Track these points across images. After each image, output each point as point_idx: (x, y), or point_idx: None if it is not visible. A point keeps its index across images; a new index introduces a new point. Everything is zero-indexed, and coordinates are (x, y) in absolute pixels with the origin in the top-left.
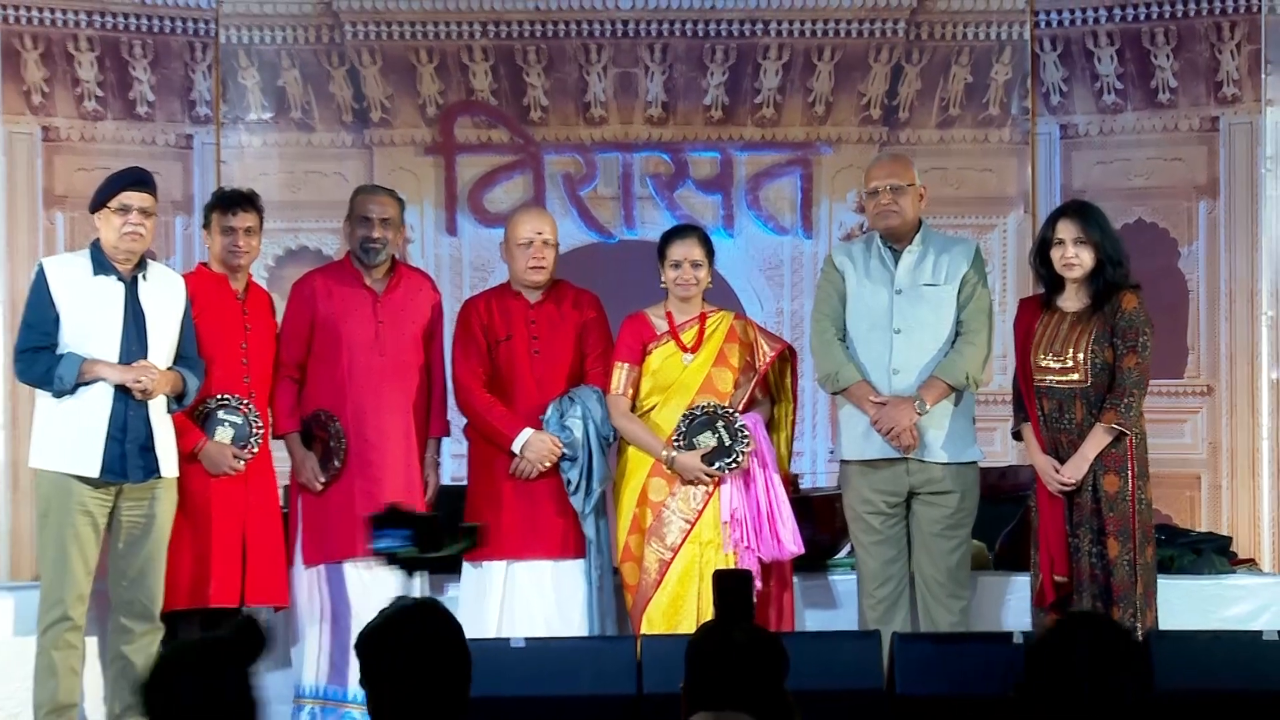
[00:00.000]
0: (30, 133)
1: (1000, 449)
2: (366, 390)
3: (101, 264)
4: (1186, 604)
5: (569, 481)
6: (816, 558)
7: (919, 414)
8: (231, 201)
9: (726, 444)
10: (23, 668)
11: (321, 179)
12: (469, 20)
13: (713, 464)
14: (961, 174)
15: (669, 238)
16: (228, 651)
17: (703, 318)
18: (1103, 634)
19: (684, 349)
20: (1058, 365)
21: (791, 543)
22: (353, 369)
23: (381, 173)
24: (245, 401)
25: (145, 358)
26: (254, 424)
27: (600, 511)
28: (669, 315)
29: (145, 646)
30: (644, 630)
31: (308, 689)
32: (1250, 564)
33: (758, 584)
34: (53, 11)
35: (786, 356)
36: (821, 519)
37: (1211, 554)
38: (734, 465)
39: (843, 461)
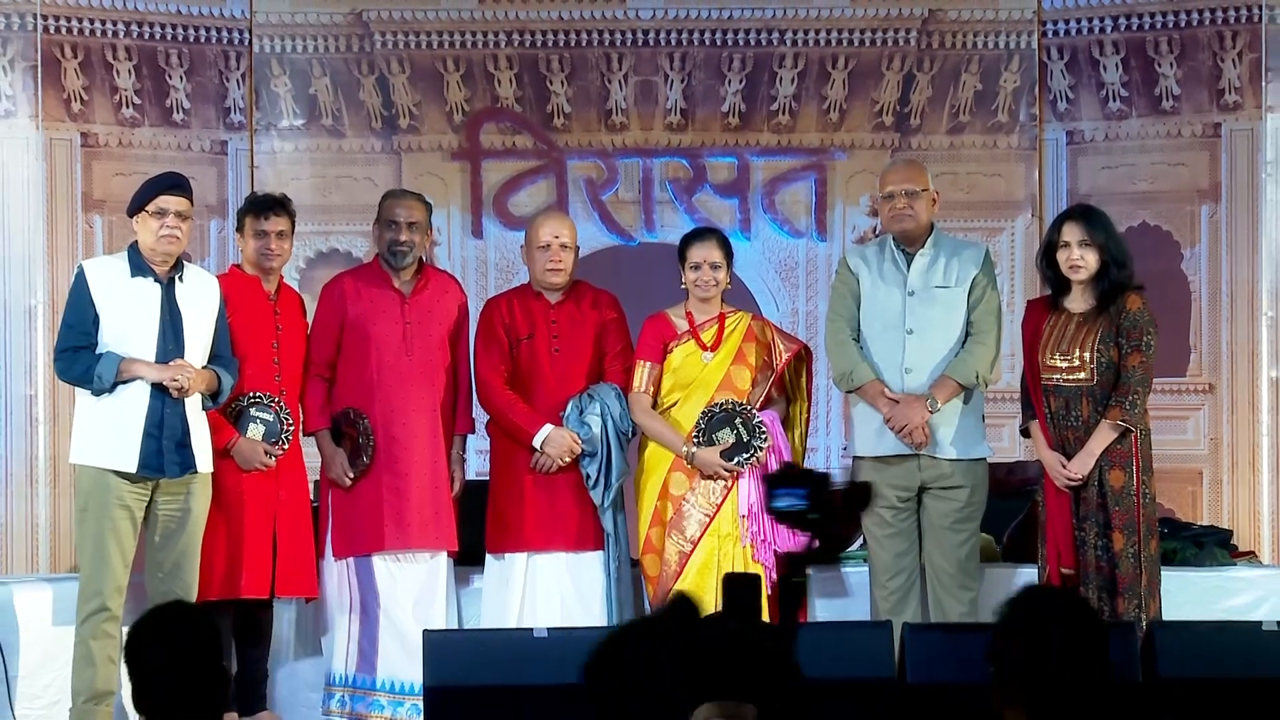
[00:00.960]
0: (70, 139)
1: (1008, 445)
2: (395, 389)
3: (139, 266)
4: (1189, 595)
5: (588, 476)
6: (831, 550)
7: (931, 412)
8: (264, 206)
9: (745, 440)
10: (62, 656)
11: (352, 183)
12: (495, 30)
13: (731, 459)
14: (971, 179)
15: (689, 240)
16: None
17: (721, 318)
18: (1069, 611)
19: (704, 348)
20: (1065, 364)
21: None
22: (381, 369)
23: (409, 177)
24: (276, 399)
25: (181, 357)
26: (285, 421)
27: (618, 505)
28: (689, 315)
29: None
30: None
31: (337, 677)
32: (1251, 556)
33: (772, 575)
34: (92, 22)
35: (802, 356)
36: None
37: (1213, 547)
38: (752, 461)
39: (856, 457)
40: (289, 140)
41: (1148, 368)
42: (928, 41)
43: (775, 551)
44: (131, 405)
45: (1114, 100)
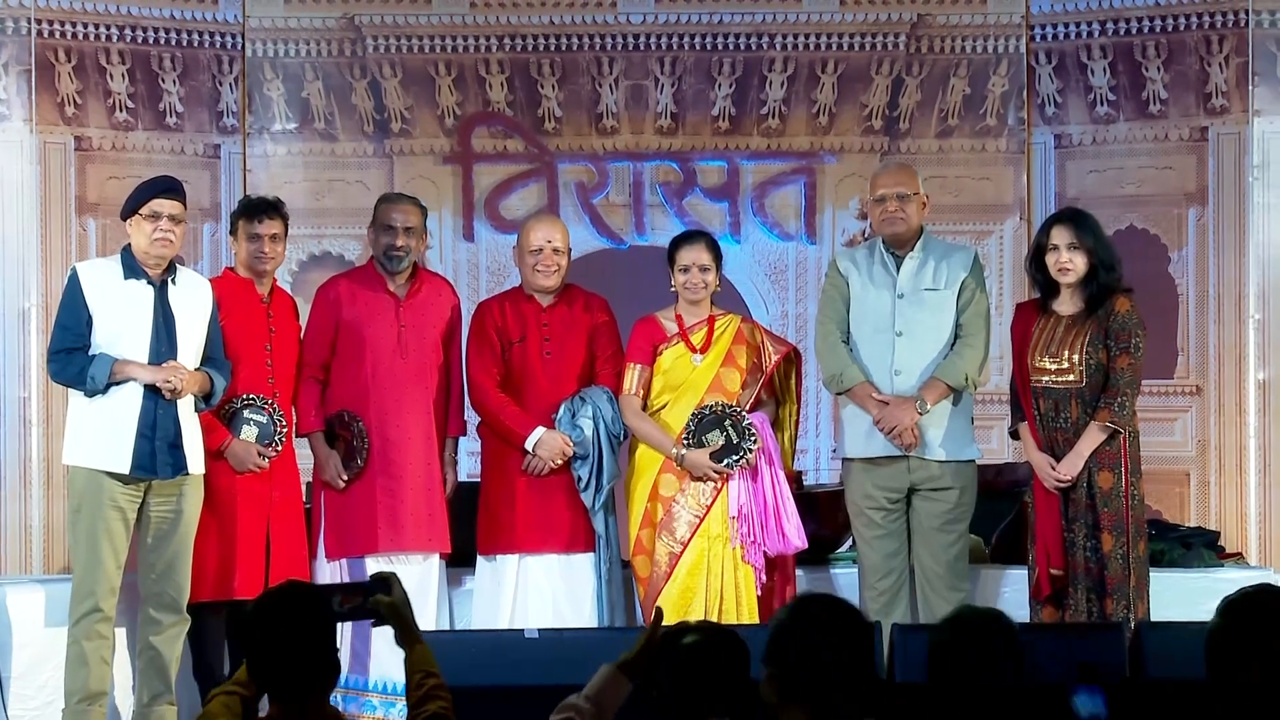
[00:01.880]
0: (63, 142)
1: (997, 446)
2: (388, 392)
3: (132, 268)
4: (1176, 596)
5: (579, 478)
6: (819, 551)
7: (920, 413)
8: (257, 209)
9: (734, 442)
10: (55, 658)
11: (344, 187)
12: (486, 34)
13: (721, 461)
14: (960, 182)
15: (678, 243)
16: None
17: (711, 320)
18: (837, 616)
19: (693, 350)
20: (1054, 366)
21: (796, 537)
22: (375, 371)
23: (401, 181)
24: (270, 401)
25: (174, 359)
26: (278, 423)
27: (610, 508)
28: (679, 318)
29: (173, 637)
30: None
31: None
32: (1238, 557)
33: (762, 577)
34: (85, 26)
35: (791, 358)
36: (824, 514)
37: (1200, 548)
38: (741, 463)
39: (845, 459)
40: (282, 144)
41: (1136, 370)
42: (916, 46)
43: (764, 553)
44: (124, 407)
45: (1101, 104)
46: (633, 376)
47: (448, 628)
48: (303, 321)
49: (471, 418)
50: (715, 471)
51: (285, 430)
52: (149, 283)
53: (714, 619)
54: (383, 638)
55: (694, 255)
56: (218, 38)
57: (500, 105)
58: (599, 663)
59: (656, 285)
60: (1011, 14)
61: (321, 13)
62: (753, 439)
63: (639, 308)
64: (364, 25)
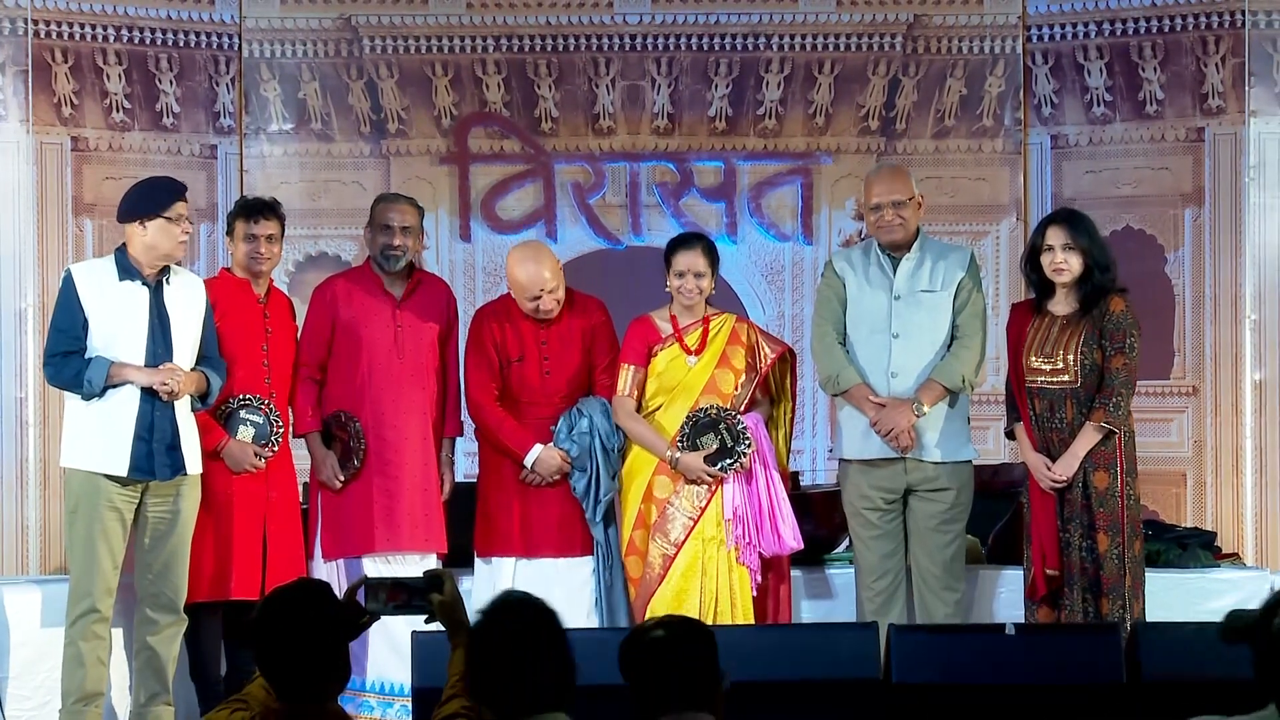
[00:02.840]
0: (60, 143)
1: (993, 447)
2: (385, 392)
3: (127, 270)
4: (1172, 596)
5: (575, 488)
6: (815, 552)
7: (917, 415)
8: (254, 209)
9: (729, 445)
10: (52, 658)
11: (341, 187)
12: (482, 35)
13: (715, 465)
14: (956, 183)
15: (675, 246)
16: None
17: (706, 321)
18: (526, 618)
19: (688, 351)
20: (1048, 367)
21: (791, 539)
22: (372, 372)
23: (398, 181)
24: (266, 402)
25: (170, 359)
26: (274, 423)
27: (609, 518)
28: (673, 319)
29: (170, 637)
30: None
31: None
32: (1234, 558)
33: (757, 578)
34: (82, 26)
35: (786, 358)
36: (820, 515)
37: (1196, 548)
38: (735, 466)
39: (842, 460)
40: (278, 144)
41: (1131, 370)
42: (913, 46)
43: (760, 554)
44: (122, 409)
45: (1098, 105)
46: (626, 377)
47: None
48: (299, 322)
49: (469, 418)
50: (709, 475)
51: (282, 430)
52: (144, 284)
53: (709, 620)
54: (380, 639)
55: (689, 261)
56: (214, 38)
57: (497, 106)
58: (596, 665)
59: (653, 286)
60: (1008, 15)
61: (318, 13)
62: (747, 443)
63: (635, 308)
64: (360, 26)
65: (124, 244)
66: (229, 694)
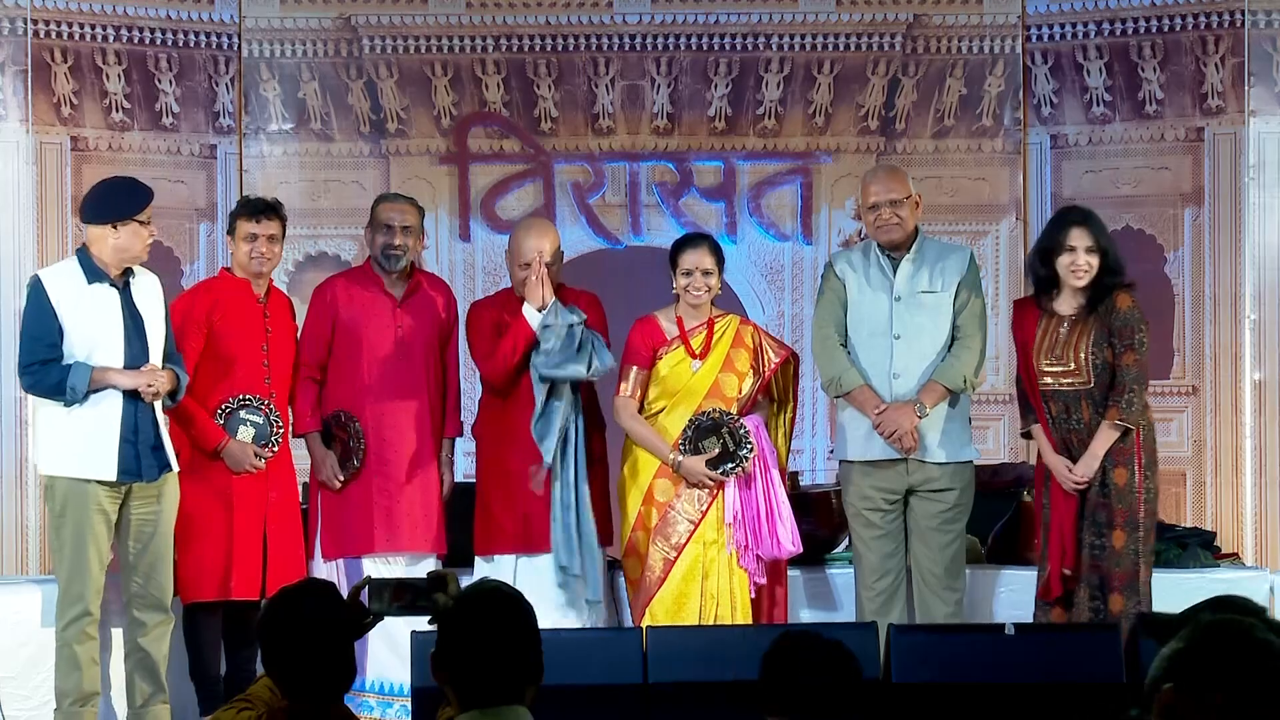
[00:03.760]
0: (59, 142)
1: (993, 446)
2: (385, 393)
3: (94, 272)
4: (1172, 596)
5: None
6: (815, 552)
7: (920, 417)
8: (256, 209)
9: (731, 450)
10: (51, 659)
11: (340, 187)
12: (482, 35)
13: (717, 469)
14: (956, 182)
15: (681, 246)
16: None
17: (710, 323)
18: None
19: (693, 355)
20: (1060, 369)
21: (790, 542)
22: (372, 372)
23: (398, 181)
24: (266, 402)
25: (146, 359)
26: (274, 423)
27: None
28: (679, 320)
29: (160, 636)
30: (646, 624)
31: None
32: (1234, 558)
33: (759, 580)
34: (82, 26)
35: (790, 361)
36: (820, 515)
37: (1196, 548)
38: (738, 470)
39: (843, 461)
40: (278, 144)
41: (1142, 365)
42: (912, 46)
43: (758, 556)
44: (106, 414)
45: (1097, 104)
46: (630, 378)
47: None
48: (299, 322)
49: (466, 419)
50: (711, 479)
51: (281, 431)
52: (112, 285)
53: (708, 623)
54: (380, 639)
55: (697, 259)
56: (214, 38)
57: (496, 105)
58: (596, 663)
59: (653, 286)
60: (1007, 14)
61: (317, 13)
62: (749, 447)
63: (635, 308)
64: (360, 26)
65: (84, 245)
66: (229, 694)
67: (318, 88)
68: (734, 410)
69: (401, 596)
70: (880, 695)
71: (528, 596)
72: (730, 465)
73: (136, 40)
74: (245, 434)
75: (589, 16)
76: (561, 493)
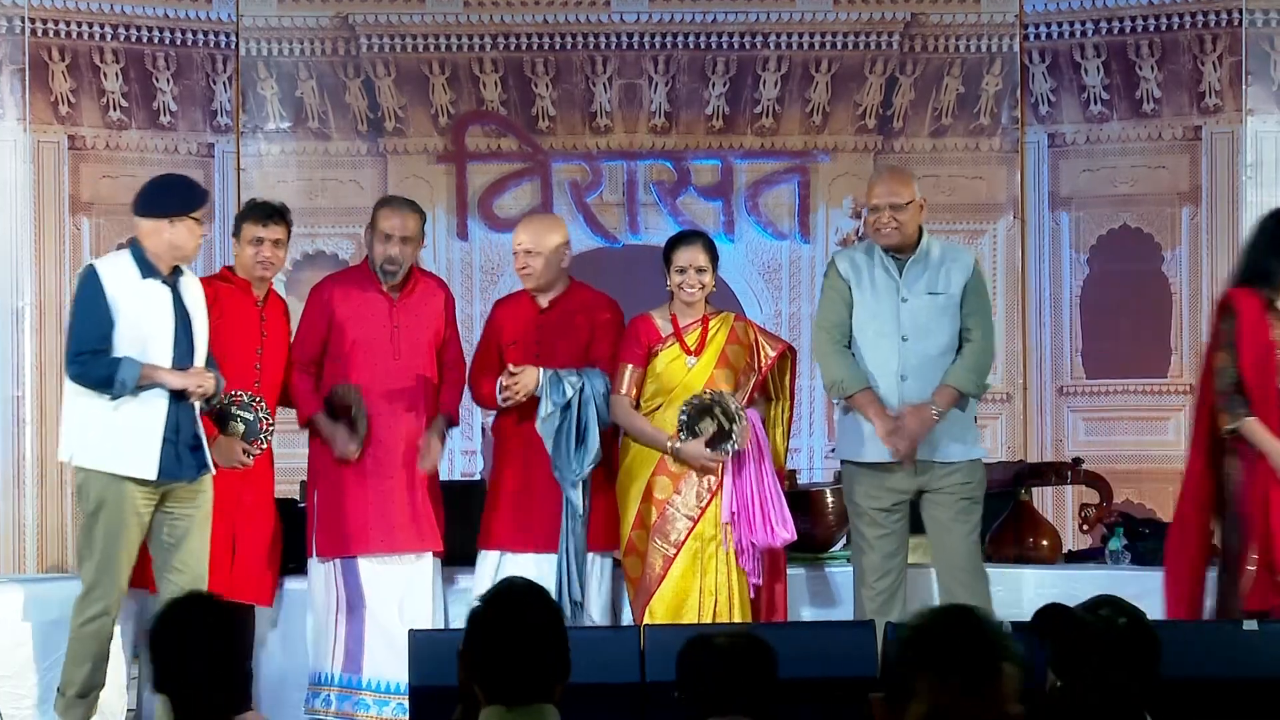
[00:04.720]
0: (57, 141)
1: (991, 445)
2: (380, 393)
3: (148, 268)
4: None
5: (545, 417)
6: (813, 551)
7: (936, 419)
8: (265, 213)
9: (725, 428)
10: (49, 657)
11: (338, 186)
12: (480, 33)
13: (715, 448)
14: (953, 181)
15: (674, 243)
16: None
17: (705, 320)
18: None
19: (688, 352)
20: None
21: (784, 530)
22: (367, 372)
23: (395, 180)
24: (257, 399)
25: (192, 360)
26: (264, 420)
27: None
28: (674, 318)
29: None
30: (645, 622)
31: (324, 677)
32: None
33: (755, 581)
34: (79, 25)
35: (787, 355)
36: (817, 514)
37: None
38: (736, 445)
39: (846, 461)
40: (275, 143)
41: None
42: (910, 45)
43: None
44: (151, 412)
45: (1095, 103)
46: (625, 376)
47: (442, 626)
48: (293, 324)
49: (468, 418)
50: (711, 460)
51: (272, 429)
52: (163, 281)
53: (708, 620)
54: (377, 637)
55: (691, 256)
56: (211, 36)
57: (494, 104)
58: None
59: (650, 284)
60: (1005, 13)
61: (315, 11)
62: (742, 421)
63: (633, 306)
64: (358, 24)
65: (135, 239)
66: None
67: (315, 86)
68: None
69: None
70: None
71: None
72: (727, 443)
73: (134, 39)
74: (235, 429)
75: (587, 15)
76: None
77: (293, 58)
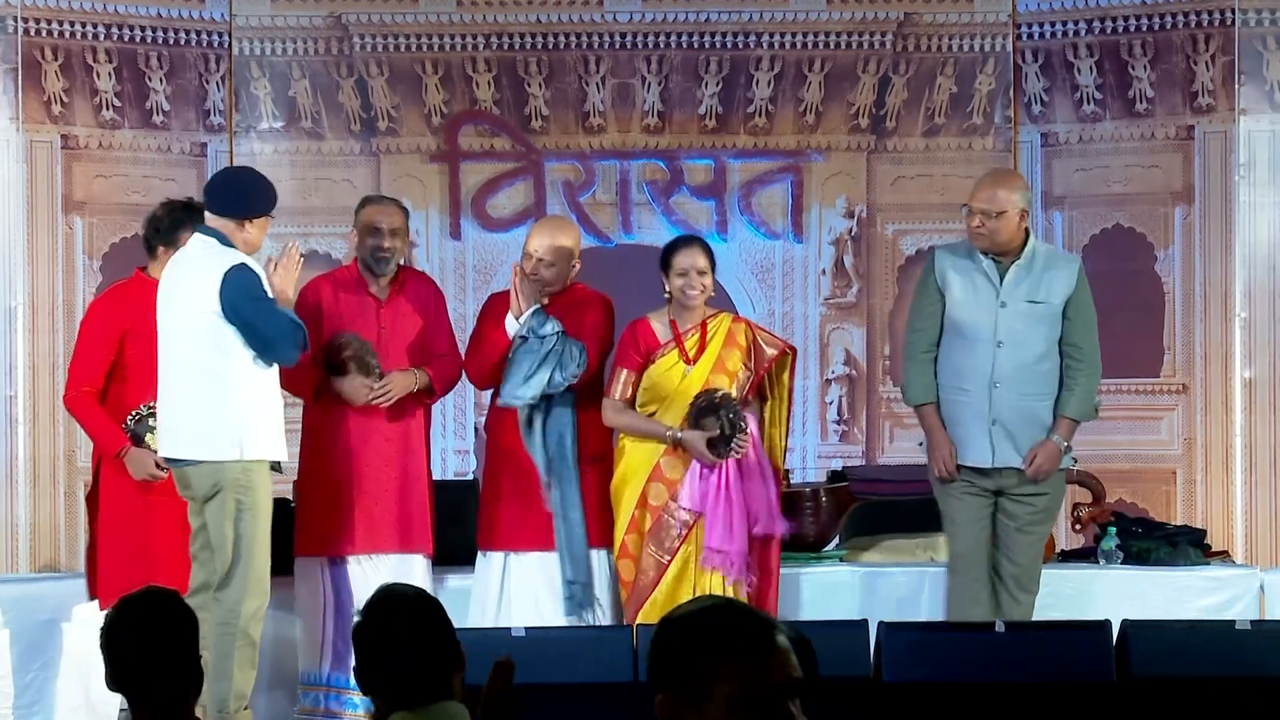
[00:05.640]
0: (50, 141)
1: None
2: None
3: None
4: (1162, 594)
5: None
6: (805, 550)
7: (1064, 450)
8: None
9: (728, 435)
10: (43, 656)
11: (331, 185)
12: (473, 33)
13: (713, 450)
14: (946, 181)
15: (673, 248)
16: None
17: (704, 324)
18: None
19: (687, 360)
20: None
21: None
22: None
23: (388, 180)
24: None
25: None
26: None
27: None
28: (673, 323)
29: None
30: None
31: (312, 676)
32: (1224, 556)
33: (751, 579)
34: (72, 24)
35: (786, 354)
36: (810, 513)
37: (1186, 546)
38: (731, 454)
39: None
40: (268, 142)
41: None
42: (903, 44)
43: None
44: (277, 395)
45: (1088, 103)
46: (620, 380)
47: None
48: None
49: (469, 419)
50: (708, 458)
51: None
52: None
53: None
54: None
55: (691, 259)
56: (204, 36)
57: (487, 104)
58: (587, 662)
59: (643, 284)
60: (998, 13)
61: (308, 11)
62: (745, 431)
63: (625, 306)
64: (351, 24)
65: (219, 232)
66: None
67: (308, 86)
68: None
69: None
70: (871, 692)
71: (515, 594)
72: (724, 449)
73: (127, 38)
74: (151, 441)
75: (580, 15)
76: (556, 500)
77: (286, 57)
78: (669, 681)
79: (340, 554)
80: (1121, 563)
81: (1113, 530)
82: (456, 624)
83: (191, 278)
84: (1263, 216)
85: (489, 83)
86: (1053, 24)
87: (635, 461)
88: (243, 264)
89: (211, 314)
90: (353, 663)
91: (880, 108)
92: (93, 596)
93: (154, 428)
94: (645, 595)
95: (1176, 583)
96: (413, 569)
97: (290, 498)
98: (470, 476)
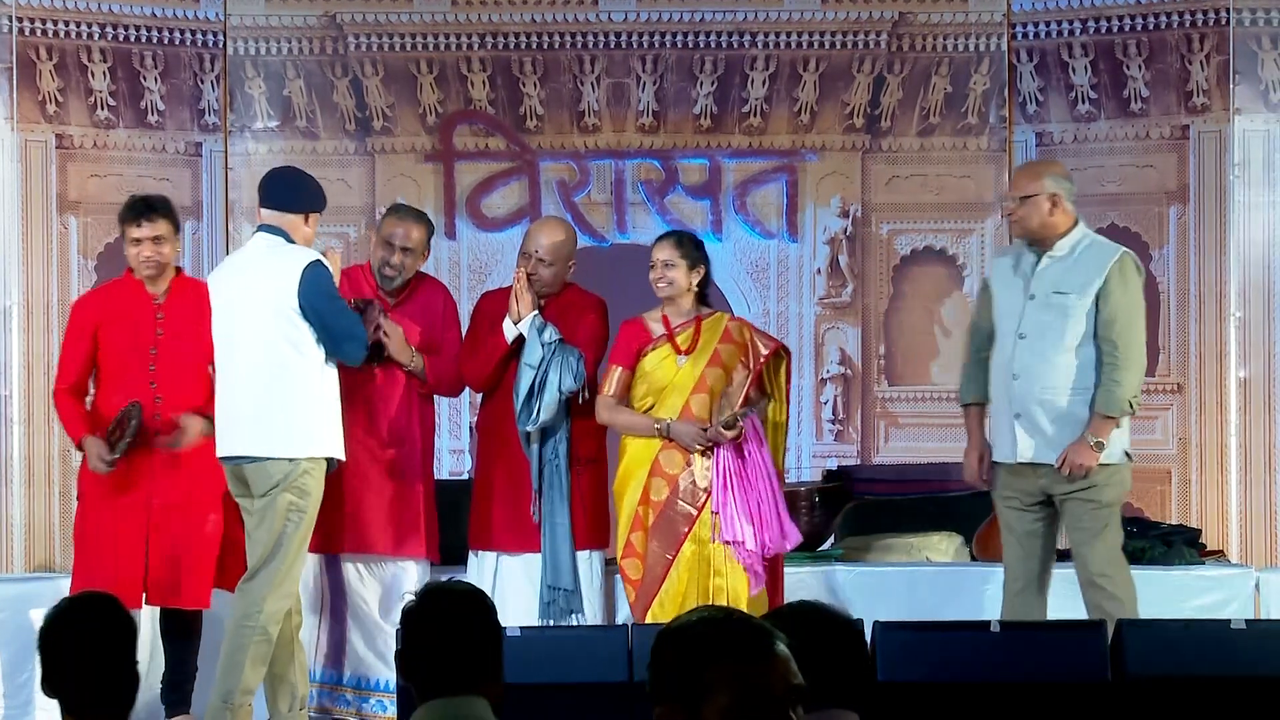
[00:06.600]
0: (45, 140)
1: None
2: (364, 397)
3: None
4: (1158, 594)
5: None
6: (801, 549)
7: (1098, 449)
8: (136, 212)
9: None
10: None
11: (326, 185)
12: (468, 32)
13: (706, 431)
14: (941, 180)
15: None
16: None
17: (698, 320)
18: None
19: (679, 352)
20: None
21: (785, 537)
22: (353, 375)
23: (383, 179)
24: (136, 404)
25: None
26: (129, 422)
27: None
28: (665, 319)
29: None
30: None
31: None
32: (1219, 555)
33: (760, 575)
34: (67, 24)
35: (781, 354)
36: (804, 512)
37: (1181, 546)
38: (735, 425)
39: (993, 461)
40: (263, 142)
41: None
42: (898, 44)
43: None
44: (338, 394)
45: (1083, 102)
46: (612, 378)
47: None
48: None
49: (466, 418)
50: (702, 441)
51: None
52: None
53: None
54: (357, 636)
55: (659, 252)
56: (199, 36)
57: (482, 103)
58: (582, 661)
59: (638, 283)
60: (993, 12)
61: (303, 11)
62: (743, 413)
63: (620, 306)
64: (345, 23)
65: (279, 228)
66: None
67: (303, 85)
68: (729, 406)
69: None
70: (867, 694)
71: (509, 594)
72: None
73: (121, 38)
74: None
75: (575, 14)
76: (546, 508)
77: (280, 57)
78: (668, 693)
79: (330, 552)
80: None
81: None
82: None
83: (265, 275)
84: (1257, 216)
85: (484, 82)
86: (1047, 24)
87: (636, 458)
88: (318, 261)
89: (290, 310)
90: (347, 660)
91: (875, 107)
92: None
93: (137, 428)
94: (653, 593)
95: (1171, 582)
96: (408, 569)
97: None
98: (465, 476)
